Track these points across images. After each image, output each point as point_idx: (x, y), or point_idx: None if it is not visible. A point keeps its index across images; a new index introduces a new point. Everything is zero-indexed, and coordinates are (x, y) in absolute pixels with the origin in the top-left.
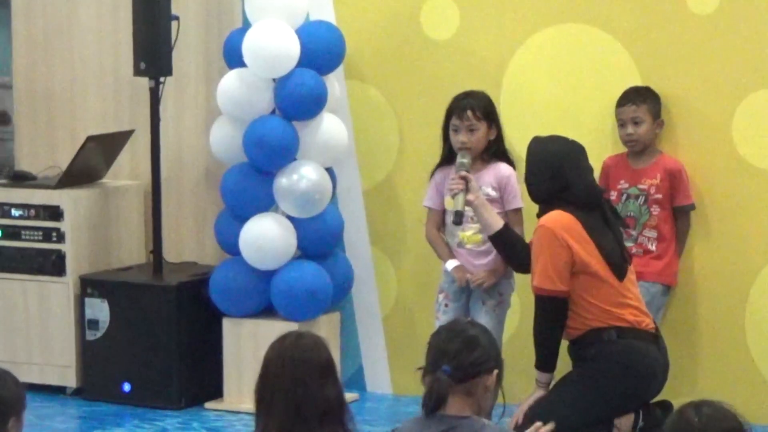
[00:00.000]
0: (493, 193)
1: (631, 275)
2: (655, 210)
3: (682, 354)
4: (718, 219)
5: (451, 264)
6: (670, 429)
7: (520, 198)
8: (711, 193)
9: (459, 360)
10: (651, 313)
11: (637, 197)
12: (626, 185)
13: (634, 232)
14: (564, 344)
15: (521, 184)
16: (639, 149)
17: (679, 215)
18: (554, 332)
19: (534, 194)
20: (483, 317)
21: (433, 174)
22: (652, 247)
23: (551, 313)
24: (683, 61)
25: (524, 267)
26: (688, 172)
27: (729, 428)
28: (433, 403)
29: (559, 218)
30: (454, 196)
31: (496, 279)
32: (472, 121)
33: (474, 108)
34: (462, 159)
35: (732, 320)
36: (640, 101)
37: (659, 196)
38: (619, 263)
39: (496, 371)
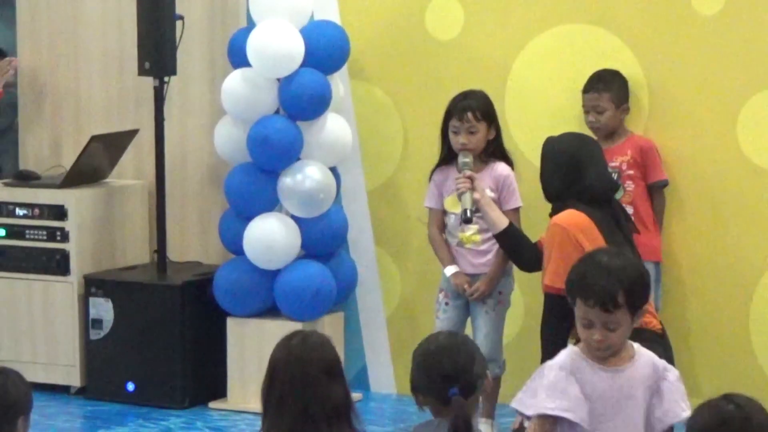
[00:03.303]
0: (491, 194)
1: None
2: (629, 186)
3: (686, 354)
4: (722, 219)
5: (450, 270)
6: (708, 427)
7: (519, 197)
8: (715, 193)
9: (465, 378)
10: (652, 291)
11: None
12: None
13: None
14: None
15: (521, 184)
16: (603, 135)
17: (654, 192)
18: (562, 331)
19: (548, 191)
20: (483, 316)
21: (432, 174)
22: None
23: (560, 311)
24: (688, 62)
25: (529, 265)
26: (693, 171)
27: (765, 415)
28: (465, 426)
29: (573, 217)
30: (461, 196)
31: (493, 287)
32: (472, 122)
33: (474, 109)
34: (465, 158)
35: (736, 320)
36: (603, 89)
37: (631, 171)
38: None
39: (488, 372)
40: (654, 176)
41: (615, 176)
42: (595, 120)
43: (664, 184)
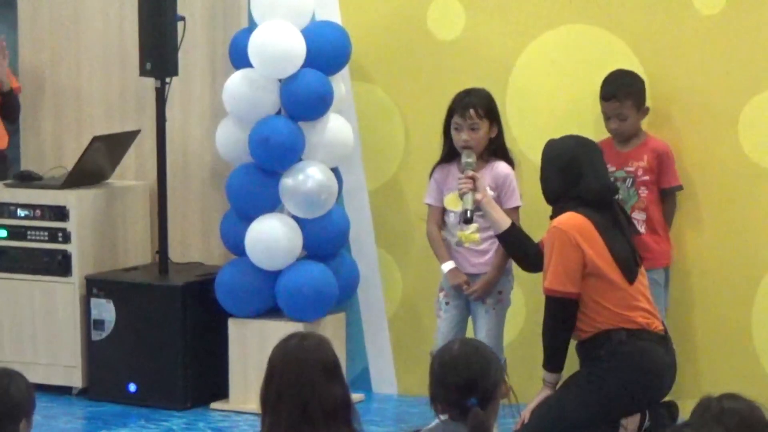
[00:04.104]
0: (491, 193)
1: (642, 278)
2: (643, 192)
3: (689, 355)
4: (724, 220)
5: (446, 266)
6: (695, 418)
7: (519, 197)
8: (718, 194)
9: (482, 387)
10: (660, 295)
11: (624, 180)
12: (613, 168)
13: None
14: (572, 344)
15: (522, 183)
16: (624, 139)
17: (666, 196)
18: (563, 333)
19: (547, 193)
20: (483, 315)
21: (433, 171)
22: (642, 230)
23: (561, 314)
24: (690, 61)
25: (532, 265)
26: (694, 173)
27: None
28: None
29: (572, 220)
30: (462, 196)
31: (491, 289)
32: (475, 119)
33: (476, 106)
34: (467, 158)
35: (738, 321)
36: (624, 97)
37: (647, 177)
38: (629, 266)
39: (505, 377)
40: (668, 181)
41: (629, 182)
42: (618, 127)
43: (678, 189)
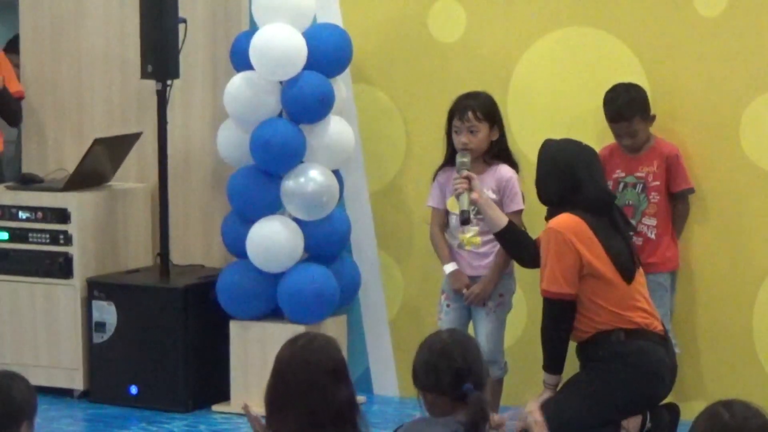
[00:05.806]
0: (493, 196)
1: (640, 278)
2: (654, 197)
3: (690, 357)
4: (726, 221)
5: (448, 268)
6: (703, 428)
7: (521, 200)
8: (718, 196)
9: (475, 372)
10: (666, 299)
11: (634, 185)
12: (622, 174)
13: (633, 221)
14: (572, 345)
15: (524, 186)
16: (637, 148)
17: (677, 199)
18: (562, 334)
19: (544, 196)
20: (484, 318)
21: (436, 175)
22: (652, 235)
23: (559, 315)
24: (690, 64)
25: (531, 263)
26: (696, 175)
27: (762, 424)
28: (484, 419)
29: (568, 221)
30: (458, 196)
31: (489, 290)
32: (473, 122)
33: (474, 109)
34: (462, 158)
35: (739, 322)
36: (630, 115)
37: (657, 183)
38: (627, 266)
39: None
40: (678, 185)
41: (640, 187)
42: (632, 143)
43: (690, 192)
